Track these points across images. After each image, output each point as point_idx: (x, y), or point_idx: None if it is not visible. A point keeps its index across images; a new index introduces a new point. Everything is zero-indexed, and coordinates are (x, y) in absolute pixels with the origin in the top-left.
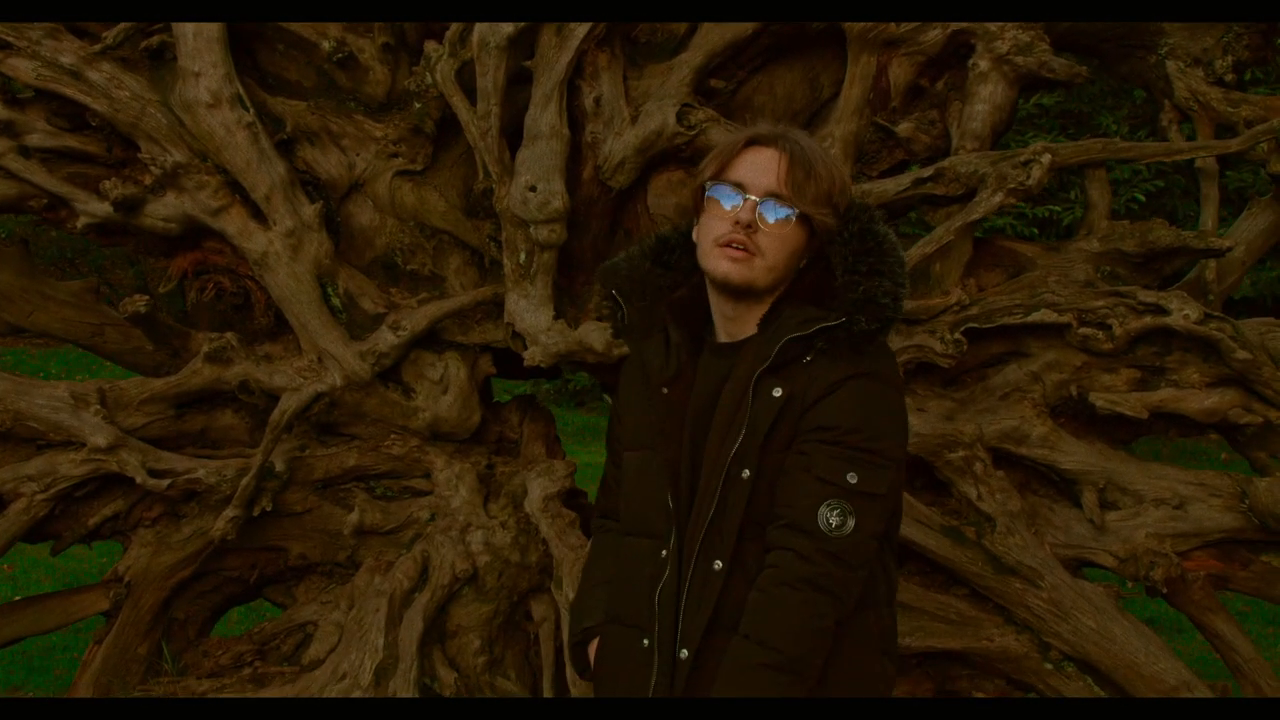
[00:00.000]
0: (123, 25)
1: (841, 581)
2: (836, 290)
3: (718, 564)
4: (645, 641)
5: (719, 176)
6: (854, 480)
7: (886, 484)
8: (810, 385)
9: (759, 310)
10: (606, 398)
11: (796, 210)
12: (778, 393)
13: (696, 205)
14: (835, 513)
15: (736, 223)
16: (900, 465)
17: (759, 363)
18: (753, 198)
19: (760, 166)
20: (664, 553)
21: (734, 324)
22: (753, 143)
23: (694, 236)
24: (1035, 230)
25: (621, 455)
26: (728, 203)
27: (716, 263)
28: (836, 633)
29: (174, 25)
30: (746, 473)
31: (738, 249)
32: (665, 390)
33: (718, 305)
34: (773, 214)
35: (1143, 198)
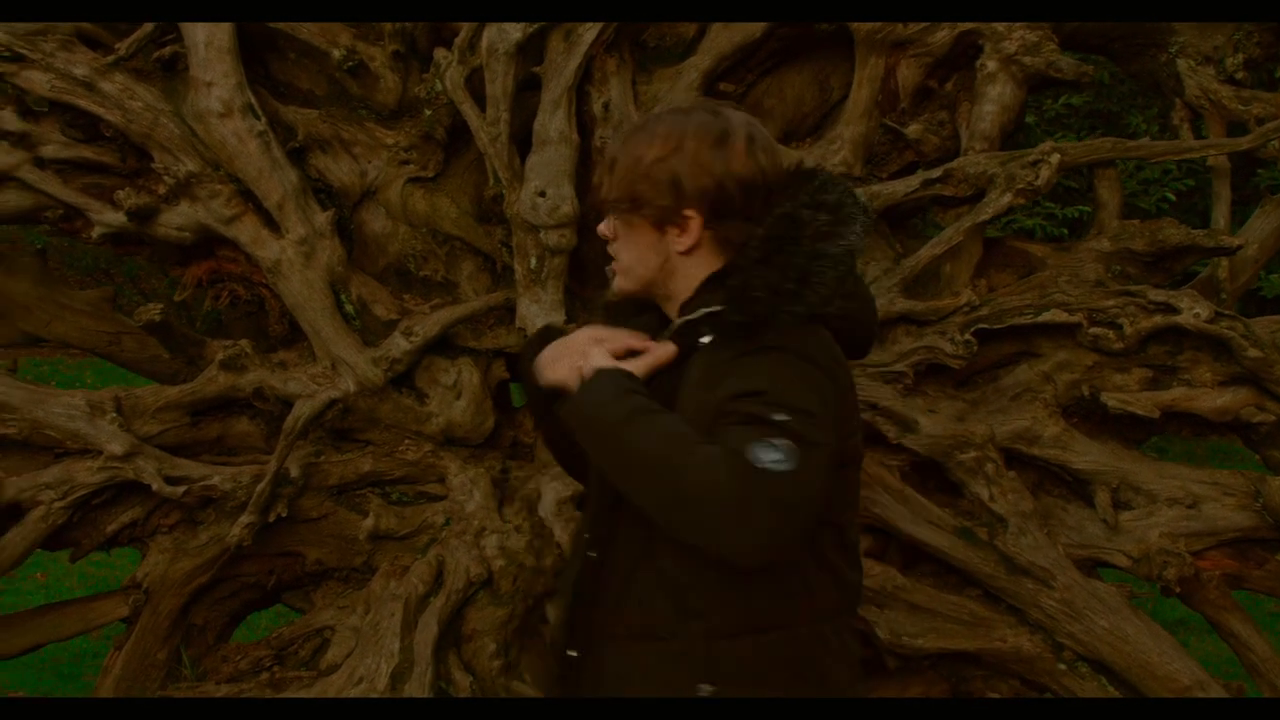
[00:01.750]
0: (135, 36)
1: (760, 507)
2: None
3: (591, 554)
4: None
5: None
6: (783, 418)
7: (820, 436)
8: (706, 370)
9: (671, 307)
10: None
11: (617, 207)
12: (665, 384)
13: None
14: (771, 449)
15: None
16: (825, 448)
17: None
18: (607, 211)
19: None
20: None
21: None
22: None
23: None
24: (1065, 231)
25: None
26: None
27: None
28: (788, 642)
29: (185, 36)
30: None
31: (610, 266)
32: None
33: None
34: (603, 223)
35: (1173, 196)
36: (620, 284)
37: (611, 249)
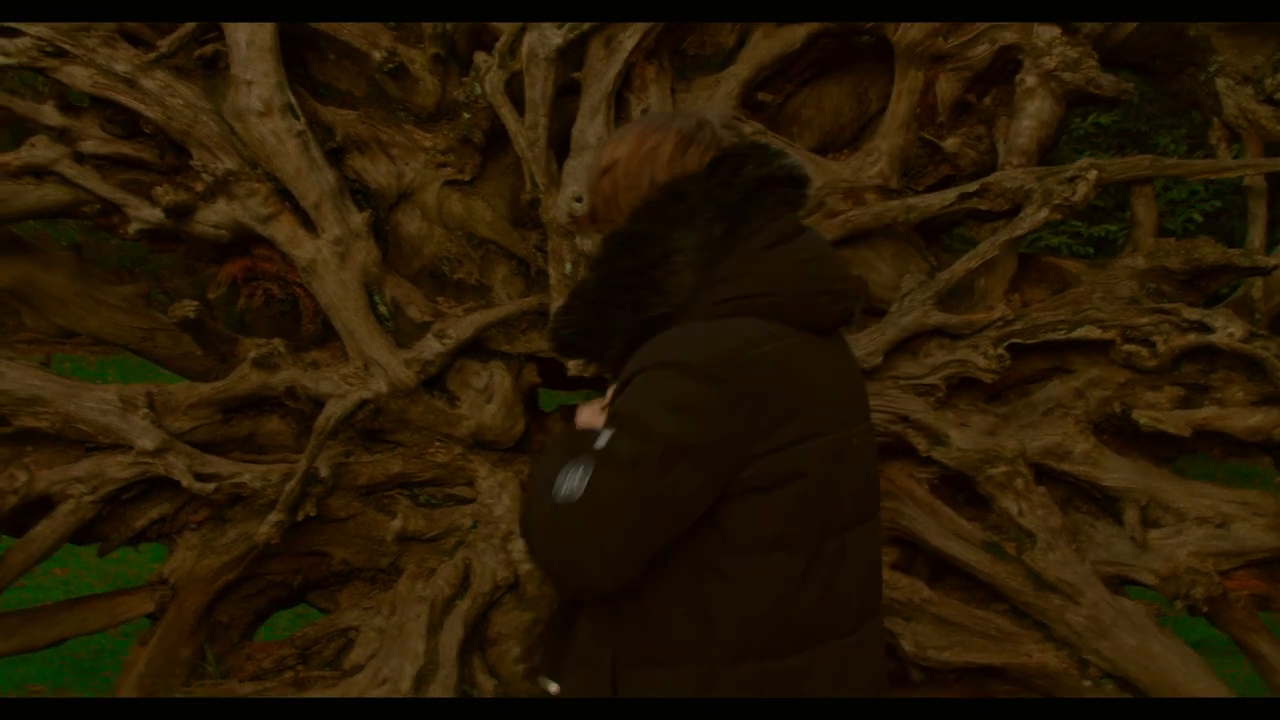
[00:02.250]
0: (177, 34)
1: (538, 518)
2: None
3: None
4: None
5: None
6: (604, 443)
7: (633, 453)
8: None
9: None
10: None
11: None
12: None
13: None
14: (570, 478)
15: None
16: (678, 451)
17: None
18: None
19: None
20: None
21: None
22: None
23: None
24: (1091, 250)
25: None
26: None
27: None
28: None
29: (227, 34)
30: None
31: None
32: None
33: None
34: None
35: (1200, 218)
36: None
37: None
